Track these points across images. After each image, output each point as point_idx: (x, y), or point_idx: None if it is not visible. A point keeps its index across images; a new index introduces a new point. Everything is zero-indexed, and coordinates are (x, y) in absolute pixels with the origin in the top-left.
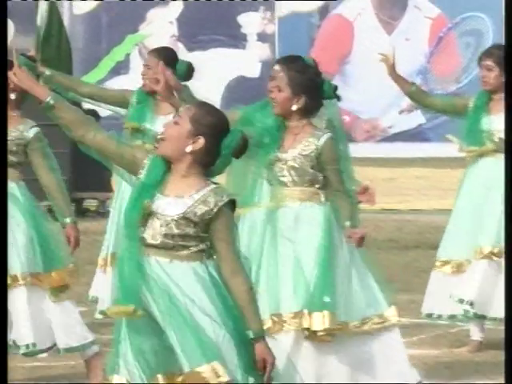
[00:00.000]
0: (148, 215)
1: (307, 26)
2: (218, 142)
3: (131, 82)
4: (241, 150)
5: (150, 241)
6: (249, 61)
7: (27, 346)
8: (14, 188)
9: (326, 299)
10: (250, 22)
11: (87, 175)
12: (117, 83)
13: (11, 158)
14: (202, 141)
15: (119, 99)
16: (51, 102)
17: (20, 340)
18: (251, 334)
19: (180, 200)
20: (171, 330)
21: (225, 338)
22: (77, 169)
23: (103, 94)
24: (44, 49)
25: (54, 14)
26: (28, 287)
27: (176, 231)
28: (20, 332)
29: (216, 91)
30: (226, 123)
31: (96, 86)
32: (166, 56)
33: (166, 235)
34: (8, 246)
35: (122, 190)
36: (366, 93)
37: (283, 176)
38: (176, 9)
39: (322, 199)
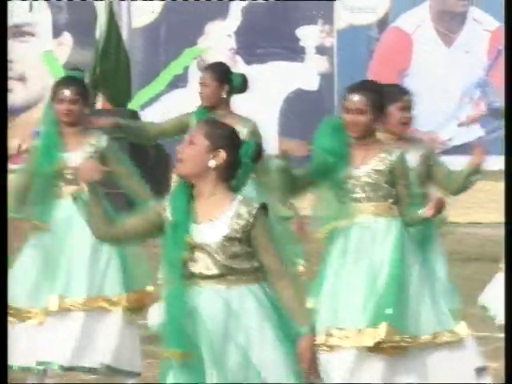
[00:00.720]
0: (192, 249)
1: (366, 38)
2: (236, 152)
3: (189, 95)
4: (259, 155)
5: (205, 272)
6: (307, 74)
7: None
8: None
9: (388, 311)
10: (309, 34)
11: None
12: (174, 96)
13: None
14: (223, 153)
15: (180, 127)
16: (81, 195)
17: (63, 361)
18: (304, 329)
19: (216, 222)
20: (220, 369)
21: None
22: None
23: (166, 129)
24: (103, 62)
25: (112, 27)
26: (89, 312)
27: (225, 255)
28: (64, 354)
29: (274, 104)
30: (238, 134)
31: (158, 125)
32: (220, 71)
33: (217, 262)
34: (82, 267)
35: None
36: (424, 105)
37: (356, 193)
38: (234, 22)
39: (396, 213)
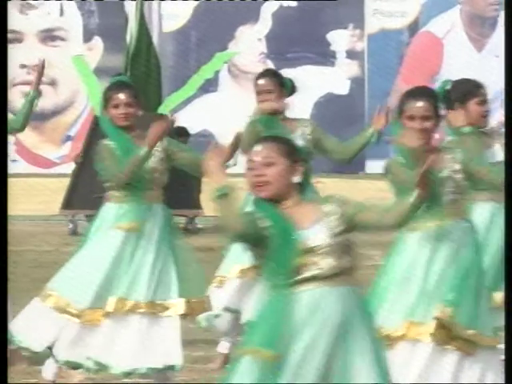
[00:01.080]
0: (304, 253)
1: (396, 43)
2: (306, 161)
3: (220, 99)
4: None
5: (318, 275)
6: (338, 78)
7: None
8: (157, 208)
9: (449, 297)
10: (339, 39)
11: (176, 192)
12: (205, 101)
13: (159, 178)
14: (301, 167)
15: (253, 139)
16: (225, 191)
17: (116, 363)
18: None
19: (317, 226)
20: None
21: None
22: (165, 186)
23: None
24: (133, 67)
25: (143, 32)
26: (147, 315)
27: (335, 255)
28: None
29: (305, 109)
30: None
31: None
32: (279, 76)
33: (329, 263)
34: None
35: None
36: None
37: (448, 195)
38: (265, 26)
39: (468, 216)
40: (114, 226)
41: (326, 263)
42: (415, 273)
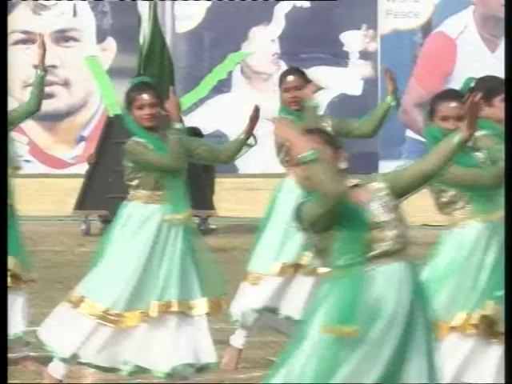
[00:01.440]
0: (372, 230)
1: (410, 43)
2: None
3: (233, 100)
4: None
5: (393, 248)
6: (351, 79)
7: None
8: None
9: (498, 293)
10: (353, 39)
11: (188, 193)
12: (219, 101)
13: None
14: (344, 153)
15: None
16: (315, 155)
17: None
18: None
19: (371, 202)
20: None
21: None
22: None
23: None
24: (146, 67)
25: (156, 32)
26: (177, 315)
27: (397, 228)
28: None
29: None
30: None
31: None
32: (305, 74)
33: (397, 236)
34: (163, 272)
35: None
36: None
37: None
38: (278, 27)
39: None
40: (145, 225)
41: (392, 237)
42: (470, 267)
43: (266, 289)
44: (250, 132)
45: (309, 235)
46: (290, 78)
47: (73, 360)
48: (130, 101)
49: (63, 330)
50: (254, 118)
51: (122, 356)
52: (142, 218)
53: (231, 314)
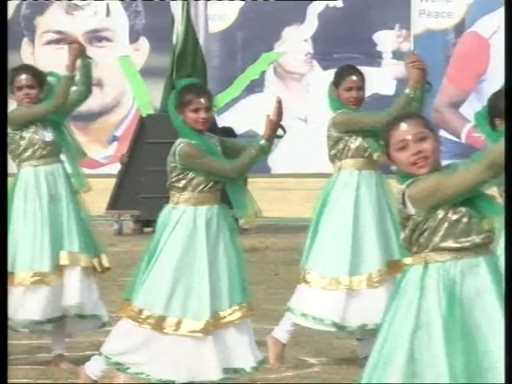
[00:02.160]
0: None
1: (443, 43)
2: None
3: (266, 100)
4: None
5: (461, 245)
6: (384, 78)
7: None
8: (221, 209)
9: None
10: (386, 39)
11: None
12: (251, 101)
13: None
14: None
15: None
16: None
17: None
18: None
19: None
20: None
21: None
22: None
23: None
24: (179, 67)
25: (189, 32)
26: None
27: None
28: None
29: None
30: None
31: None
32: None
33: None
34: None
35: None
36: None
37: None
38: (311, 27)
39: None
40: (197, 229)
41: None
42: None
43: (332, 303)
44: (270, 137)
45: (416, 215)
46: (354, 77)
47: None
48: (184, 102)
49: (130, 347)
50: (279, 110)
51: (178, 366)
52: (192, 221)
53: (289, 307)
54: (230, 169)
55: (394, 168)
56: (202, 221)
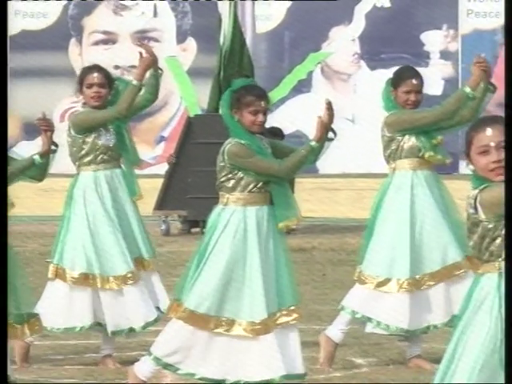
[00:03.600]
0: None
1: (491, 43)
2: None
3: (313, 100)
4: None
5: None
6: (432, 79)
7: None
8: (271, 210)
9: None
10: (433, 39)
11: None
12: (299, 101)
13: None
14: None
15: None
16: None
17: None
18: None
19: None
20: None
21: None
22: None
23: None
24: (226, 67)
25: (236, 32)
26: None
27: None
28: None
29: None
30: None
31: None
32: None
33: None
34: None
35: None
36: None
37: None
38: (358, 27)
39: None
40: (247, 230)
41: None
42: None
43: (393, 306)
44: (321, 139)
45: (487, 221)
46: (414, 81)
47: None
48: (242, 103)
49: (178, 345)
50: (330, 112)
51: (228, 367)
52: (242, 221)
53: (344, 306)
54: (279, 168)
55: (470, 167)
56: (252, 222)
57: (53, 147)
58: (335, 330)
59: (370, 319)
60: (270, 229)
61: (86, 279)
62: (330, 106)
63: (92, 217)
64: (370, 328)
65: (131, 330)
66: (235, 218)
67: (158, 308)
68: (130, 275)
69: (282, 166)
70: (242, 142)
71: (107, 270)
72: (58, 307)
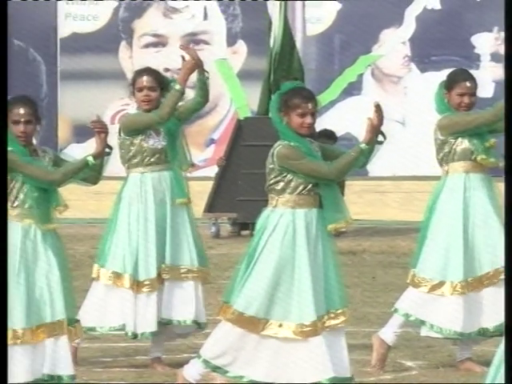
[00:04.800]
0: None
1: None
2: None
3: (363, 102)
4: None
5: None
6: (482, 81)
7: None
8: (320, 212)
9: None
10: (484, 42)
11: None
12: (349, 104)
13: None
14: None
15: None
16: None
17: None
18: None
19: None
20: None
21: None
22: None
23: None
24: (276, 70)
25: (286, 35)
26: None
27: None
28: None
29: None
30: None
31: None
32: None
33: None
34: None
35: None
36: None
37: None
38: (409, 29)
39: None
40: (296, 233)
41: None
42: None
43: (448, 309)
44: (371, 141)
45: None
46: (468, 84)
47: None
48: (290, 105)
49: (227, 347)
50: (379, 115)
51: (277, 369)
52: (293, 224)
53: (397, 309)
54: (328, 171)
55: None
56: (301, 224)
57: (107, 149)
58: (388, 332)
59: (423, 322)
60: (318, 231)
61: (118, 279)
62: (379, 109)
63: (132, 218)
64: (424, 331)
65: (142, 334)
66: (284, 221)
67: (171, 320)
68: (147, 282)
69: (331, 169)
70: (292, 144)
71: (133, 273)
72: (96, 307)
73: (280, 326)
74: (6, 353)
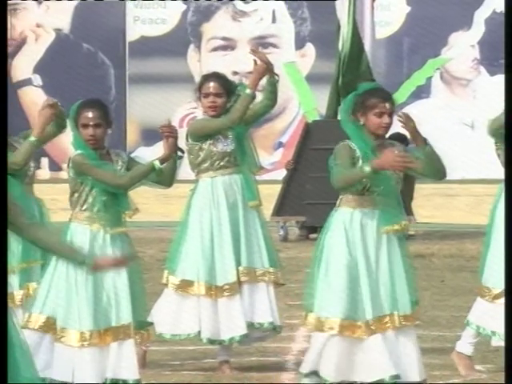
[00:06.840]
0: None
1: None
2: None
3: (432, 106)
4: None
5: None
6: None
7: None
8: (376, 214)
9: None
10: None
11: None
12: (418, 107)
13: None
14: None
15: None
16: None
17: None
18: None
19: None
20: None
21: None
22: None
23: None
24: (345, 73)
25: (355, 38)
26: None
27: None
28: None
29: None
30: None
31: None
32: None
33: None
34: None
35: None
36: None
37: None
38: (478, 32)
39: None
40: (354, 232)
41: None
42: None
43: None
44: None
45: None
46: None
47: (313, 376)
48: (367, 106)
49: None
50: (407, 122)
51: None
52: (349, 224)
53: (469, 321)
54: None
55: None
56: (356, 225)
57: (180, 153)
58: (464, 344)
59: (493, 333)
60: (380, 233)
61: (189, 286)
62: (406, 117)
63: (204, 224)
64: (495, 342)
65: (221, 342)
66: (344, 220)
67: (252, 323)
68: (226, 287)
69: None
70: (352, 145)
71: (209, 279)
72: (168, 313)
73: (366, 325)
74: (6, 353)
